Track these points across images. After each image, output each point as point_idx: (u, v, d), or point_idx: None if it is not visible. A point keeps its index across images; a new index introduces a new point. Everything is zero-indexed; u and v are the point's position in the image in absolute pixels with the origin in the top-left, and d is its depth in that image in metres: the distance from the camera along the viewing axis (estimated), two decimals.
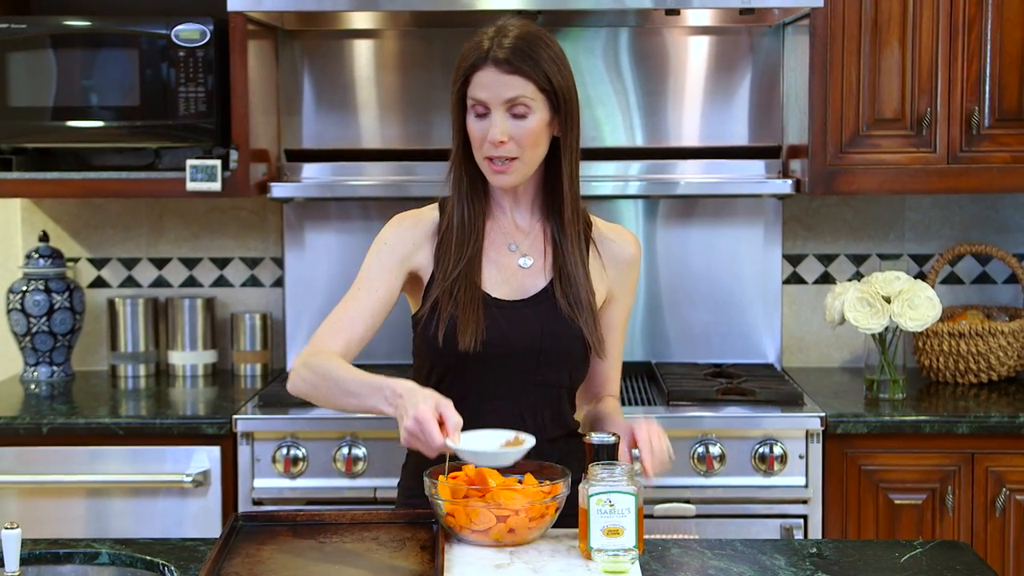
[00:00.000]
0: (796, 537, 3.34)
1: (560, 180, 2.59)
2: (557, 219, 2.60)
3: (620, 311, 2.68)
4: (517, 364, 2.50)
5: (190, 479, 3.35)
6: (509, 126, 2.48)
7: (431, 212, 2.65)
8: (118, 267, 4.09)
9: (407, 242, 2.61)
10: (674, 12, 3.68)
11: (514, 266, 2.61)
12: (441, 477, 2.32)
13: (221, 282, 4.09)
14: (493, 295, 2.56)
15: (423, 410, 2.23)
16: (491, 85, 2.48)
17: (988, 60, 3.57)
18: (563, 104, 2.53)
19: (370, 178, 3.93)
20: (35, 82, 3.61)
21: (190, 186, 3.59)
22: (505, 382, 2.52)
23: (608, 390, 2.69)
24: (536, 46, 2.49)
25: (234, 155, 3.59)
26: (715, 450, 3.36)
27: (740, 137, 3.95)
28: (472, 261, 2.55)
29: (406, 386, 2.32)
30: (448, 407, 2.26)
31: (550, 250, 2.61)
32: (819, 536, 3.37)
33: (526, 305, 2.57)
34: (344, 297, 2.60)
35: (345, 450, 3.37)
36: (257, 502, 3.39)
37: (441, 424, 2.24)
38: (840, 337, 4.06)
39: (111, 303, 3.98)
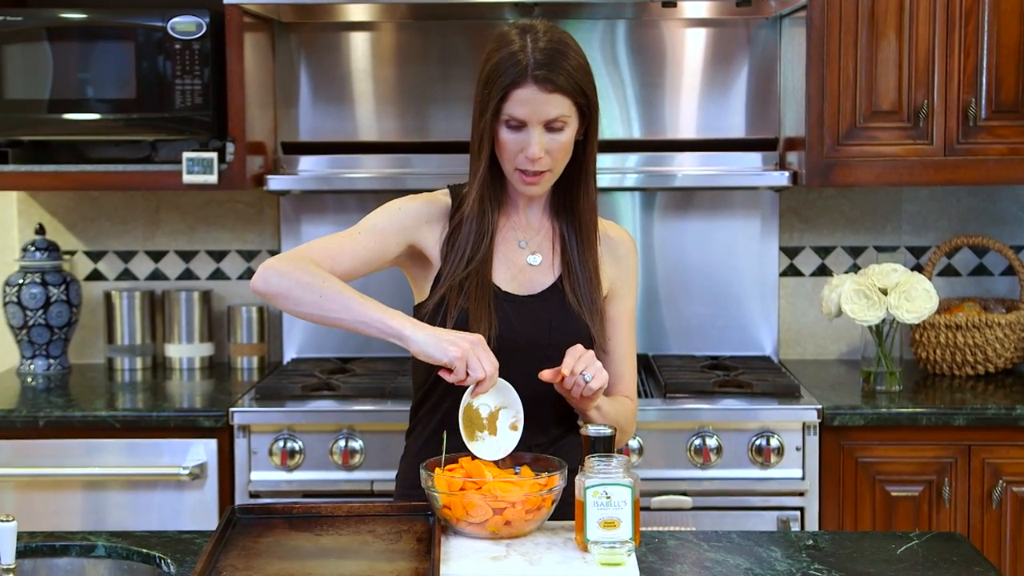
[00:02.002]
0: (793, 529, 3.35)
1: (575, 179, 2.58)
2: (570, 217, 2.60)
3: (623, 307, 2.68)
4: (524, 358, 2.49)
5: (187, 472, 3.35)
6: (546, 141, 2.47)
7: (444, 197, 2.63)
8: (115, 260, 4.09)
9: (420, 216, 2.59)
10: (671, 4, 3.68)
11: (523, 263, 2.61)
12: (438, 469, 2.33)
13: (218, 275, 4.09)
14: (503, 289, 2.56)
15: (479, 335, 2.37)
16: (531, 103, 2.45)
17: (985, 52, 3.56)
18: (591, 112, 2.53)
19: (367, 171, 3.93)
20: (31, 75, 3.60)
21: (186, 179, 3.59)
22: (511, 376, 2.51)
23: (620, 389, 2.66)
24: (569, 56, 2.47)
25: (231, 148, 3.59)
26: (712, 442, 3.36)
27: (737, 129, 3.95)
28: (485, 258, 2.55)
29: (429, 327, 2.40)
30: (480, 374, 2.35)
31: (559, 247, 2.61)
32: (816, 528, 3.38)
33: (535, 300, 2.57)
34: (339, 232, 2.57)
35: (342, 443, 3.37)
36: (254, 495, 3.39)
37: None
38: (837, 329, 4.06)
39: (108, 296, 3.97)
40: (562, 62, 2.46)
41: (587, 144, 2.56)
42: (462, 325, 2.49)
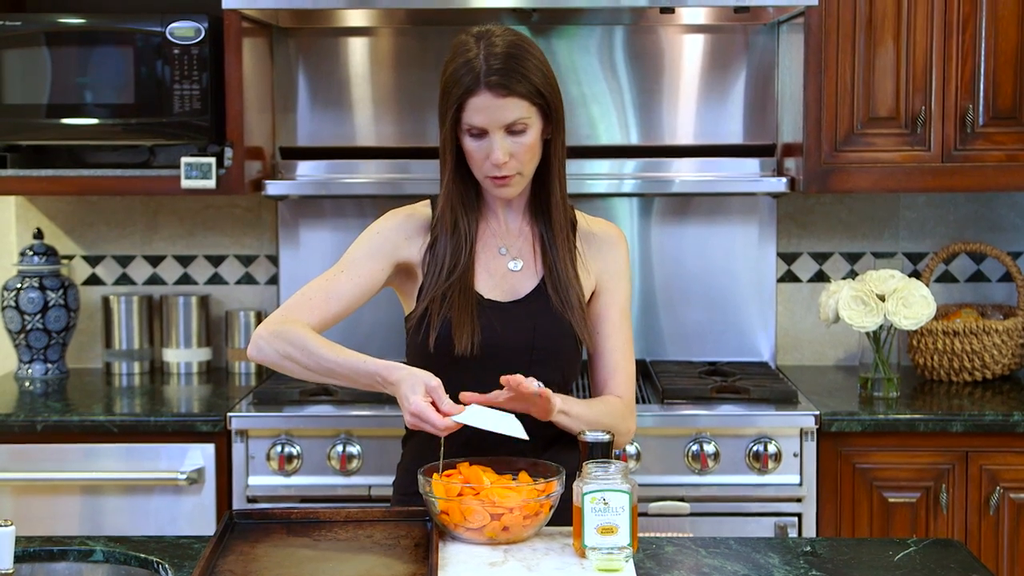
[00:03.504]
0: (790, 535, 3.35)
1: (544, 179, 2.60)
2: (546, 220, 2.61)
3: (612, 300, 2.66)
4: (511, 364, 2.50)
5: (184, 477, 3.35)
6: (508, 145, 2.49)
7: (424, 208, 2.65)
8: (112, 264, 4.09)
9: (399, 234, 2.61)
10: (669, 10, 3.69)
11: (504, 269, 2.61)
12: (435, 475, 2.33)
13: (216, 280, 4.09)
14: (486, 296, 2.57)
15: (415, 403, 2.31)
16: (487, 110, 2.47)
17: (982, 59, 3.57)
18: (553, 112, 2.54)
19: (364, 176, 3.93)
20: (30, 79, 3.60)
21: (185, 184, 3.59)
22: (499, 382, 2.51)
23: (611, 387, 2.64)
24: (523, 59, 2.49)
25: (229, 153, 3.59)
26: (709, 448, 3.36)
27: (735, 135, 3.96)
28: (466, 268, 2.56)
29: (397, 374, 2.38)
30: (438, 391, 2.33)
31: (539, 250, 2.62)
32: (813, 534, 3.38)
33: (518, 306, 2.58)
34: (323, 274, 2.60)
35: (339, 448, 3.37)
36: (251, 500, 3.39)
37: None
38: (834, 335, 4.06)
39: (105, 300, 3.97)
40: (515, 65, 2.47)
41: (553, 143, 2.57)
42: (445, 335, 2.51)
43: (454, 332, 2.50)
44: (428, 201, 2.66)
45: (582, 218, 2.68)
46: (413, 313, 2.59)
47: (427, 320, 2.54)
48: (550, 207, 2.60)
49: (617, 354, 2.66)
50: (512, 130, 2.48)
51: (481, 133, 2.49)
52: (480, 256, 2.60)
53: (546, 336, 2.55)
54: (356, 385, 2.46)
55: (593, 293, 2.65)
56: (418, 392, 2.33)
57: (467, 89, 2.47)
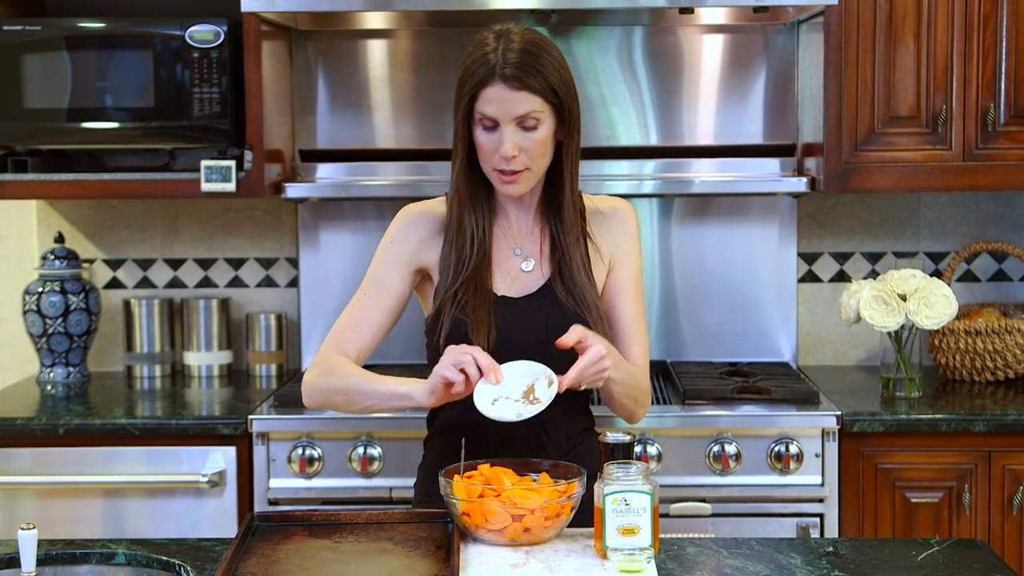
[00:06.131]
0: (812, 536, 3.34)
1: (561, 181, 2.59)
2: (557, 219, 2.61)
3: (625, 274, 2.67)
4: (524, 358, 2.50)
5: (206, 479, 3.35)
6: (519, 139, 2.49)
7: (440, 206, 2.66)
8: (133, 268, 4.10)
9: (414, 240, 2.63)
10: (688, 10, 3.68)
11: (517, 269, 2.62)
12: (456, 477, 2.33)
13: (236, 283, 4.10)
14: (499, 293, 2.58)
15: (454, 356, 2.37)
16: (500, 101, 2.48)
17: (1003, 57, 3.56)
18: (567, 112, 2.54)
19: (384, 178, 3.94)
20: (50, 84, 3.62)
21: (205, 187, 3.60)
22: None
23: (629, 359, 2.64)
24: (540, 56, 2.50)
25: (248, 156, 3.60)
26: (731, 449, 3.35)
27: (755, 135, 3.95)
28: (479, 266, 2.56)
29: (414, 385, 2.45)
30: (473, 364, 2.36)
31: (547, 247, 2.62)
32: (835, 535, 3.37)
33: (530, 300, 2.59)
34: (350, 303, 2.65)
35: (360, 450, 3.37)
36: (273, 502, 3.39)
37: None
38: (856, 335, 4.05)
39: (127, 304, 3.99)
40: (531, 61, 2.48)
41: (567, 146, 2.57)
42: (458, 336, 2.52)
43: (470, 331, 2.50)
44: (444, 198, 2.66)
45: (588, 200, 2.68)
46: (430, 316, 2.60)
47: (441, 319, 2.55)
48: (561, 209, 2.60)
49: (632, 326, 2.67)
50: (524, 124, 2.49)
51: (493, 125, 2.50)
52: (495, 257, 2.61)
53: (558, 329, 2.54)
54: (388, 405, 2.53)
55: (609, 271, 2.65)
56: (450, 367, 2.37)
57: (481, 80, 2.49)
